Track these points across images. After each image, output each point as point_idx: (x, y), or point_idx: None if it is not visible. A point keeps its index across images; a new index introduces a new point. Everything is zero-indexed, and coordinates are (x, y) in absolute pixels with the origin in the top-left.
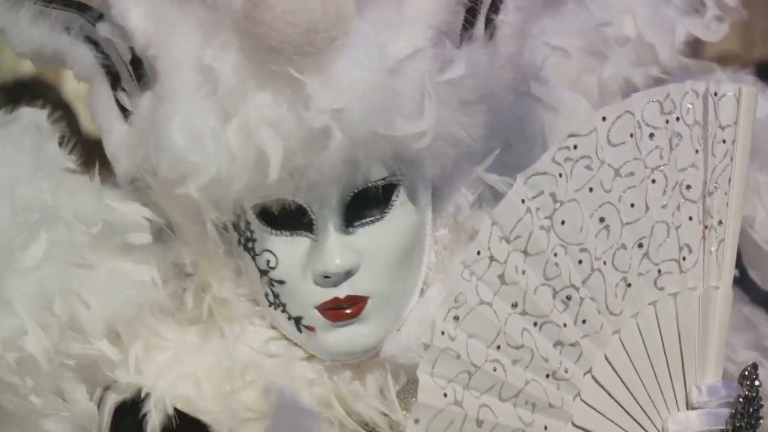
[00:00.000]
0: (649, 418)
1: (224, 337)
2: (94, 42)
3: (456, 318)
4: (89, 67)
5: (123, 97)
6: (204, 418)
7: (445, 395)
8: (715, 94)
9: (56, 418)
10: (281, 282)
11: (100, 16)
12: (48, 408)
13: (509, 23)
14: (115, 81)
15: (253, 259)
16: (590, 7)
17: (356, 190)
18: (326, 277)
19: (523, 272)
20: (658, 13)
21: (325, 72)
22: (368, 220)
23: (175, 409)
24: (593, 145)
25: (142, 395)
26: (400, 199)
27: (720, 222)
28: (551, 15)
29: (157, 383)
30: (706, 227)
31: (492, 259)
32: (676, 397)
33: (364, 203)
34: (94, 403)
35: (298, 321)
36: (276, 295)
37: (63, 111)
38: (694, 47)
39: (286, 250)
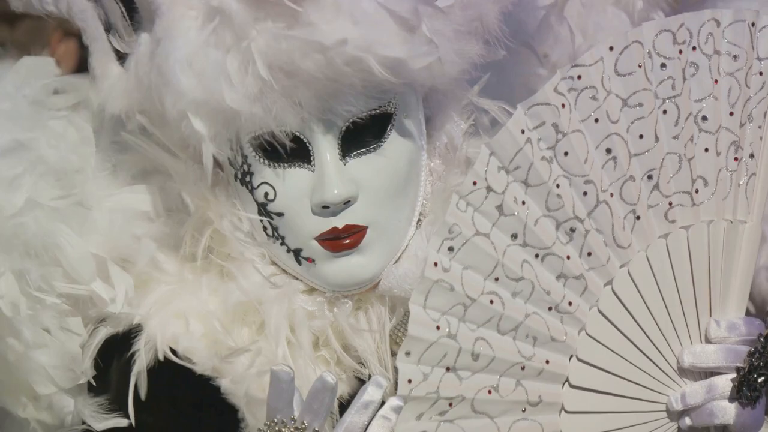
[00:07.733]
0: (660, 352)
1: (223, 275)
2: None
3: (450, 249)
4: (84, 12)
5: (116, 40)
6: (192, 357)
7: (438, 327)
8: (753, 25)
9: (46, 350)
10: (280, 214)
11: None
12: (35, 343)
13: None
14: (108, 25)
15: (251, 192)
16: None
17: (353, 120)
18: (324, 207)
19: (523, 203)
20: None
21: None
22: (364, 149)
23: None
24: (599, 76)
25: (134, 330)
26: (395, 129)
27: (752, 155)
28: None
29: (150, 319)
30: (736, 159)
31: (489, 189)
32: (689, 332)
33: (360, 133)
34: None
35: (297, 253)
36: (275, 228)
37: None
38: None
39: (284, 182)
